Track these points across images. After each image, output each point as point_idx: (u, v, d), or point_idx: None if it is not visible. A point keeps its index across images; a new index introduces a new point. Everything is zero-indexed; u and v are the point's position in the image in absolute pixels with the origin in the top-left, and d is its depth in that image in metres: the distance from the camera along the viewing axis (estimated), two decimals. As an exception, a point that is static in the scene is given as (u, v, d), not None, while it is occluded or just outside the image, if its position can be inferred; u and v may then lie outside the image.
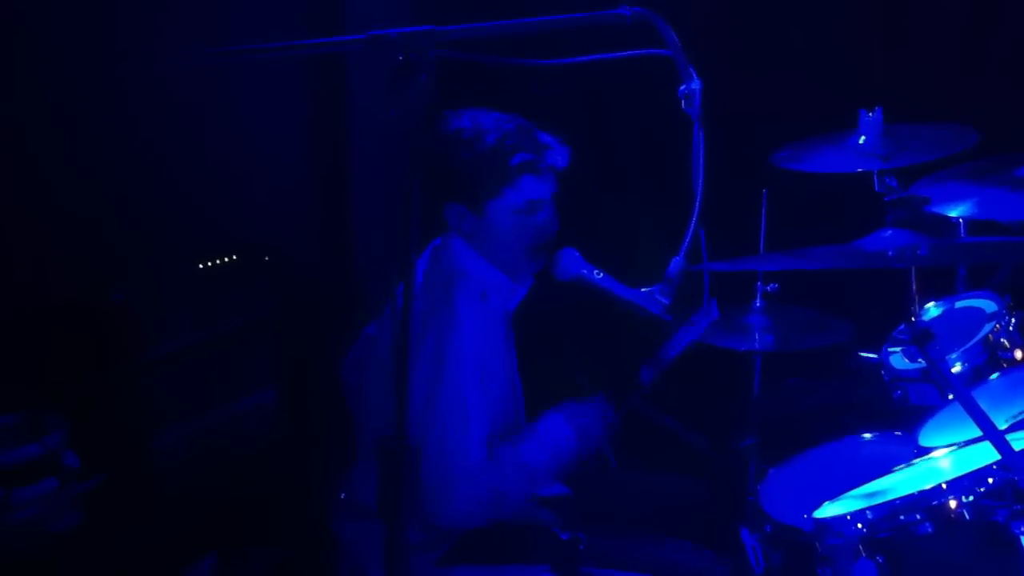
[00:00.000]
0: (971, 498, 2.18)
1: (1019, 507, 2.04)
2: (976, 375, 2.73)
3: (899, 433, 2.93)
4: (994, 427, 2.09)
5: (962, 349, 2.77)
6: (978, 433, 2.18)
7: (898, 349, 2.68)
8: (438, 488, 2.59)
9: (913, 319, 2.75)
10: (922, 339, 2.16)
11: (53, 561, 2.83)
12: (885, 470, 2.65)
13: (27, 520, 2.81)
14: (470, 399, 2.70)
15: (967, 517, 2.17)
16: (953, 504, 2.22)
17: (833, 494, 2.64)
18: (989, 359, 2.75)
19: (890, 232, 2.28)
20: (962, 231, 3.10)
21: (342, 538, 2.90)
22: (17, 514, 2.79)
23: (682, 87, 2.35)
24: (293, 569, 3.44)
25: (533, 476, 2.82)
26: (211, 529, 3.27)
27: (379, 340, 2.90)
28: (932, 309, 2.92)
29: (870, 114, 3.13)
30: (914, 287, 2.82)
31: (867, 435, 3.06)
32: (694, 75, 2.36)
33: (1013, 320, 2.81)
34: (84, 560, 2.90)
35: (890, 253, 2.19)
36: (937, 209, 2.86)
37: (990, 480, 2.17)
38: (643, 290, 2.60)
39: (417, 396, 1.86)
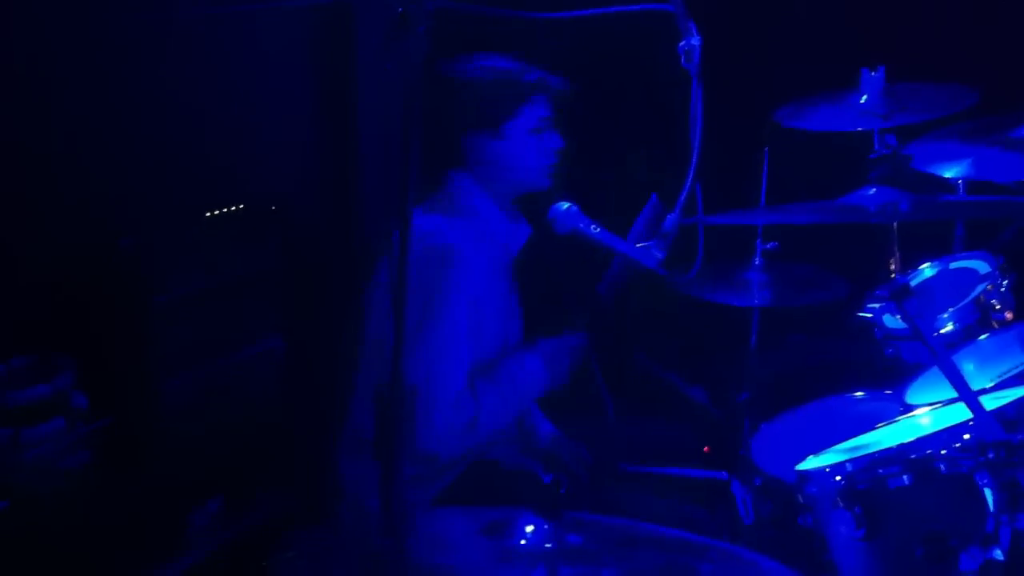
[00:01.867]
0: (945, 451, 2.22)
1: (983, 459, 2.08)
2: (967, 334, 2.76)
3: (889, 391, 2.96)
4: (966, 384, 2.13)
5: (954, 309, 2.79)
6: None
7: (877, 305, 2.70)
8: (418, 414, 2.65)
9: (893, 276, 2.78)
10: (900, 295, 2.19)
11: (61, 503, 2.92)
12: (871, 426, 2.70)
13: (37, 458, 2.89)
14: (459, 333, 2.77)
15: (942, 471, 2.21)
16: (929, 458, 2.26)
17: (821, 449, 2.69)
18: (980, 319, 2.78)
19: (873, 189, 2.31)
20: (961, 192, 3.11)
21: (343, 475, 2.97)
22: (27, 452, 2.88)
23: (682, 43, 2.36)
24: (298, 512, 3.49)
25: (507, 409, 2.89)
26: (217, 473, 3.33)
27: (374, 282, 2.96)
28: (927, 269, 2.94)
29: (872, 73, 3.14)
30: (895, 245, 2.83)
31: (859, 393, 3.11)
32: (694, 31, 2.37)
33: (1006, 281, 2.83)
34: (91, 502, 2.98)
35: (872, 209, 2.22)
36: (932, 169, 2.87)
37: (966, 436, 2.20)
38: (639, 244, 2.63)
39: (408, 325, 1.95)
